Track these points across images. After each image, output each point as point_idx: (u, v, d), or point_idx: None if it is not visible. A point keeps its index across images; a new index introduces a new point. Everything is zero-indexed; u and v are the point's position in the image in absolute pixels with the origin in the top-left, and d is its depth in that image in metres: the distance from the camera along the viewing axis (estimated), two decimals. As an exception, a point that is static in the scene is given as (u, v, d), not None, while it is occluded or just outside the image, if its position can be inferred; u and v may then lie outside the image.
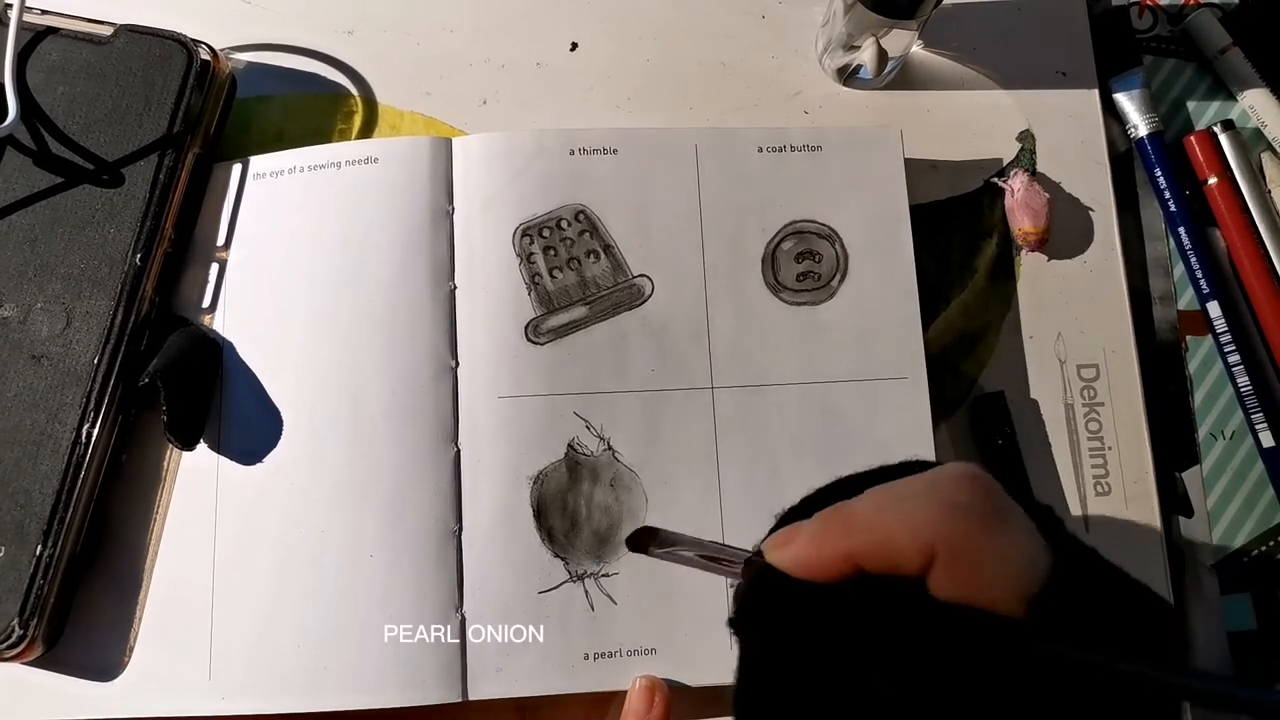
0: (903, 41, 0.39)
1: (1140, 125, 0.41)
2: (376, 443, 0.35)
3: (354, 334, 0.36)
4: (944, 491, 0.19)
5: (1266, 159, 0.42)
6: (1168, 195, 0.41)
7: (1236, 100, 0.43)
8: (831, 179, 0.38)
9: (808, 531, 0.21)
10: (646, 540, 0.24)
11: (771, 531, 0.23)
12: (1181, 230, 0.41)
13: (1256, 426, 0.39)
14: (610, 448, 0.35)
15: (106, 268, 0.35)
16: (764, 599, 0.21)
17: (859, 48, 0.39)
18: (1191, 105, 0.43)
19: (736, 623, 0.21)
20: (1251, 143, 0.42)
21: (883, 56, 0.39)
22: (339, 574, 0.34)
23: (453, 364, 0.36)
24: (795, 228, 0.38)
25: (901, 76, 0.42)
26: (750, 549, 0.23)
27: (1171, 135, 0.42)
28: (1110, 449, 0.38)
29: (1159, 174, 0.41)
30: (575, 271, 0.37)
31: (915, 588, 0.19)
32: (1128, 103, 0.42)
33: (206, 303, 0.37)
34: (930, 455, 0.36)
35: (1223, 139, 0.41)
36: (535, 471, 0.35)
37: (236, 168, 0.38)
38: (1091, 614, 0.18)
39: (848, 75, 0.41)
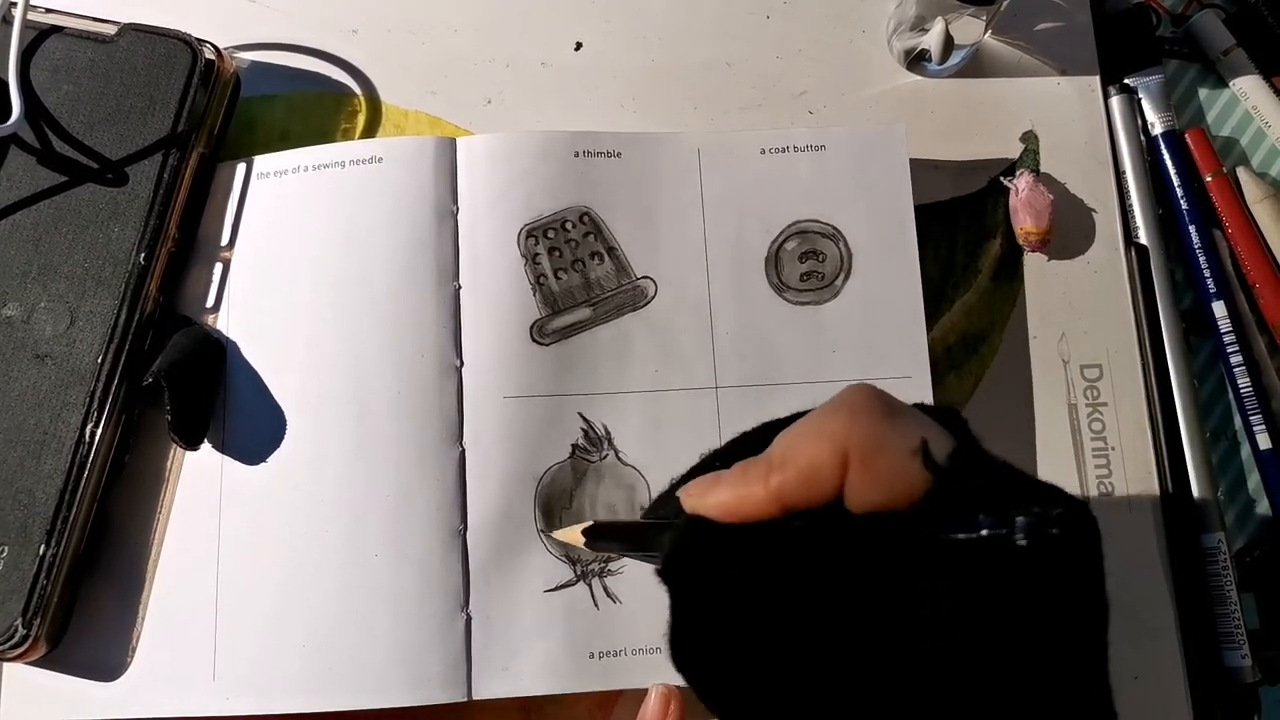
0: (972, 31, 0.39)
1: (1157, 123, 0.42)
2: (381, 442, 0.35)
3: (358, 334, 0.36)
4: (843, 404, 0.21)
5: (1243, 174, 0.42)
6: (1181, 194, 0.41)
7: (1240, 102, 0.43)
8: (835, 179, 0.38)
9: (730, 478, 0.22)
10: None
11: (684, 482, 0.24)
12: (1192, 229, 0.41)
13: (1255, 429, 0.39)
14: (614, 447, 0.35)
15: (110, 267, 0.35)
16: (692, 546, 0.22)
17: (928, 30, 0.39)
18: (1195, 106, 0.43)
19: (665, 572, 0.22)
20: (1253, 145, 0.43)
21: (949, 43, 0.39)
22: (343, 574, 0.34)
23: (457, 364, 0.36)
24: (799, 227, 0.38)
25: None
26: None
27: (1175, 136, 0.43)
28: (1114, 449, 0.39)
29: (1172, 173, 0.41)
30: (580, 273, 0.37)
31: (834, 513, 0.20)
32: (1147, 100, 0.42)
33: (210, 302, 0.37)
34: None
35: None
36: (540, 471, 0.35)
37: (241, 167, 0.38)
38: (993, 482, 0.19)
39: (912, 60, 0.41)
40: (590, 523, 0.28)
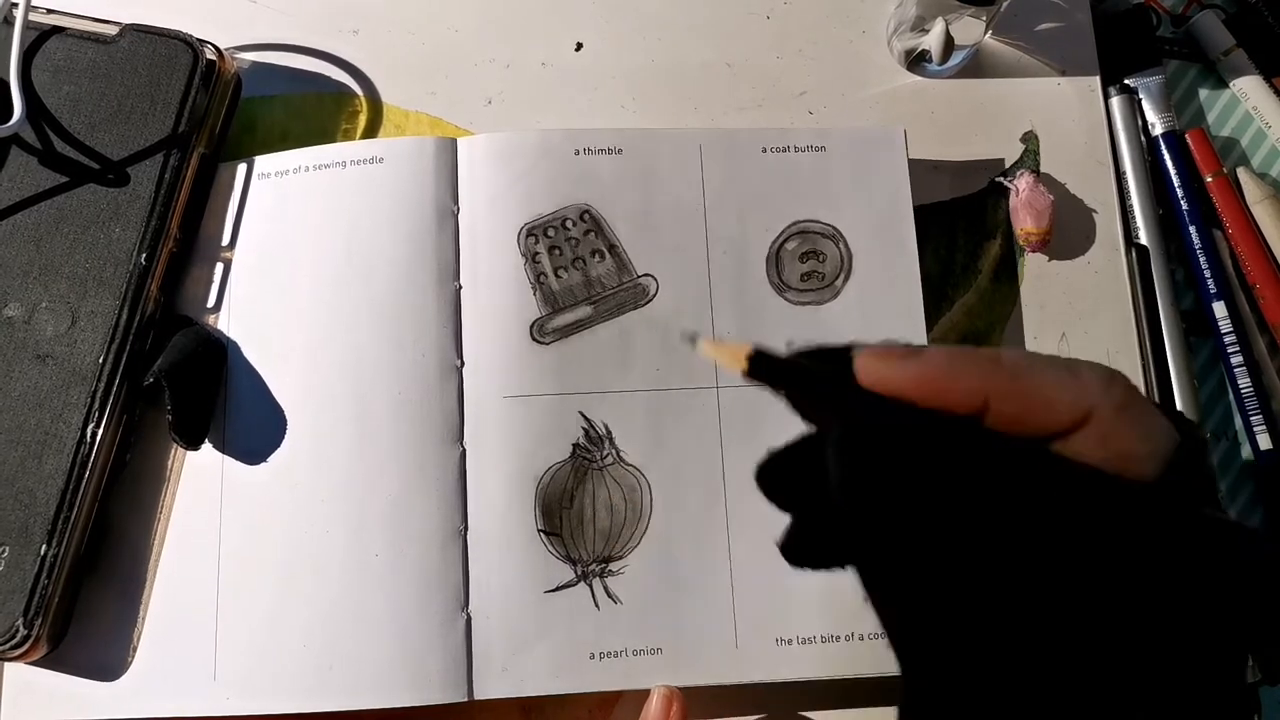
0: (972, 31, 0.39)
1: (1157, 124, 0.42)
2: (382, 442, 0.35)
3: (359, 333, 0.36)
4: (1101, 369, 0.19)
5: (1243, 174, 0.42)
6: (1181, 194, 0.41)
7: (1240, 102, 0.43)
8: (836, 179, 0.38)
9: (938, 356, 0.19)
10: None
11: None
12: (1192, 230, 0.41)
13: (1255, 429, 0.39)
14: (615, 447, 0.35)
15: (111, 267, 0.35)
16: (874, 470, 0.18)
17: (928, 31, 0.39)
18: (1195, 107, 0.43)
19: (841, 496, 0.18)
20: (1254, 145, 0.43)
21: (949, 43, 0.39)
22: (344, 574, 0.34)
23: (458, 363, 0.36)
24: (799, 227, 0.38)
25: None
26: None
27: (1175, 136, 0.43)
28: (1114, 449, 0.38)
29: (1172, 173, 0.41)
30: (580, 271, 0.37)
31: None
32: (1147, 101, 0.42)
33: (211, 302, 0.37)
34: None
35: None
36: (541, 471, 0.35)
37: (241, 167, 0.38)
38: (1204, 482, 0.19)
39: (912, 60, 0.41)
40: (754, 348, 0.22)
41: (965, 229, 0.41)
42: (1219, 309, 0.40)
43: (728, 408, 0.36)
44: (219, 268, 0.37)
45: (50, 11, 0.38)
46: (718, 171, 0.38)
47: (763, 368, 0.22)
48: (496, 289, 0.36)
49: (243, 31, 0.41)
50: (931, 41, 0.39)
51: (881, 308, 0.37)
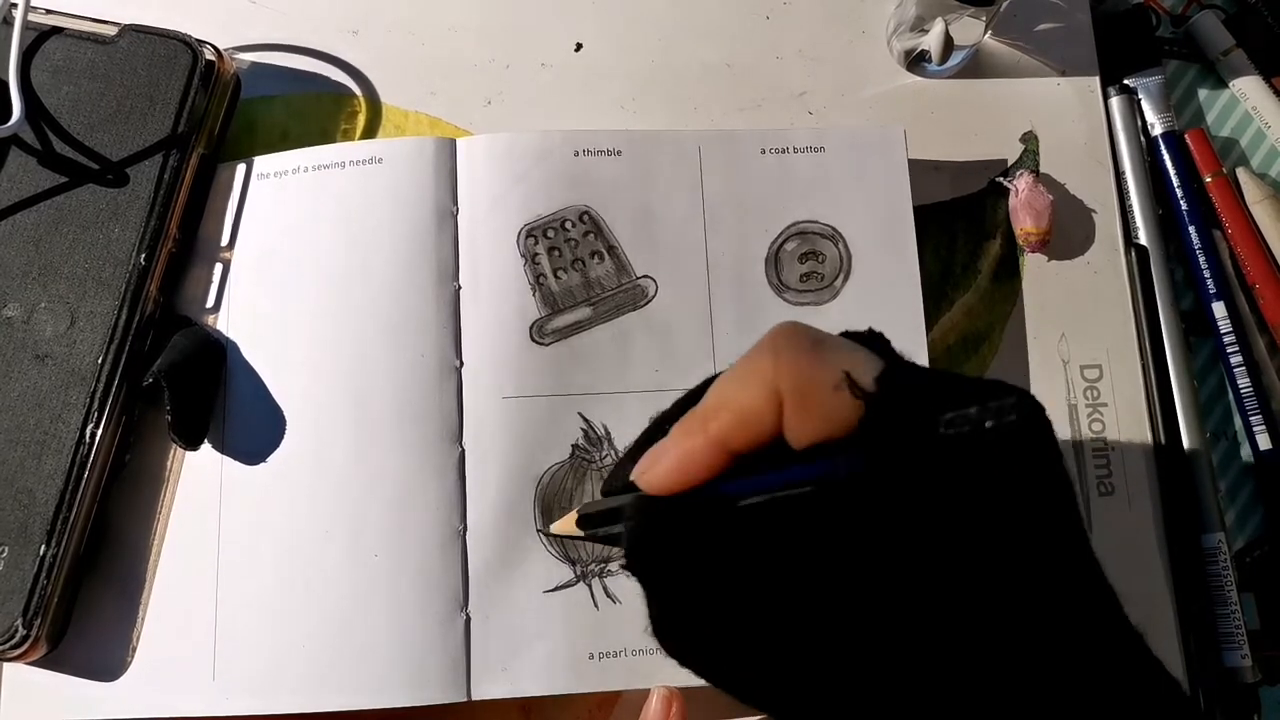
0: (972, 31, 0.39)
1: (1157, 124, 0.42)
2: (381, 443, 0.35)
3: (358, 334, 0.36)
4: (768, 344, 0.21)
5: (1243, 174, 0.42)
6: (1180, 195, 0.41)
7: (1240, 102, 0.43)
8: (835, 180, 0.38)
9: (670, 441, 0.21)
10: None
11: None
12: (1192, 230, 0.41)
13: (1255, 429, 0.39)
14: (614, 448, 0.35)
15: (111, 267, 0.35)
16: (647, 534, 0.21)
17: (928, 31, 0.39)
18: (1195, 107, 0.43)
19: (630, 565, 0.21)
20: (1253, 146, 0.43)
21: (949, 44, 0.39)
22: (343, 574, 0.34)
23: (457, 364, 0.36)
24: (798, 228, 0.38)
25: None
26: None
27: (1174, 136, 0.43)
28: (1113, 449, 0.39)
29: (1172, 173, 0.41)
30: (579, 272, 0.37)
31: (777, 452, 0.20)
32: (1146, 101, 0.42)
33: (210, 303, 0.37)
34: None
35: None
36: (540, 471, 0.35)
37: (241, 168, 0.38)
38: (928, 395, 0.19)
39: (912, 60, 0.41)
40: (577, 510, 0.27)
41: (965, 229, 0.41)
42: (1219, 309, 0.40)
43: (727, 408, 0.36)
44: (218, 268, 0.37)
45: (50, 12, 0.38)
46: (717, 173, 0.38)
47: (589, 523, 0.25)
48: (496, 290, 0.36)
49: (243, 31, 0.41)
50: (931, 41, 0.39)
51: (881, 308, 0.37)
